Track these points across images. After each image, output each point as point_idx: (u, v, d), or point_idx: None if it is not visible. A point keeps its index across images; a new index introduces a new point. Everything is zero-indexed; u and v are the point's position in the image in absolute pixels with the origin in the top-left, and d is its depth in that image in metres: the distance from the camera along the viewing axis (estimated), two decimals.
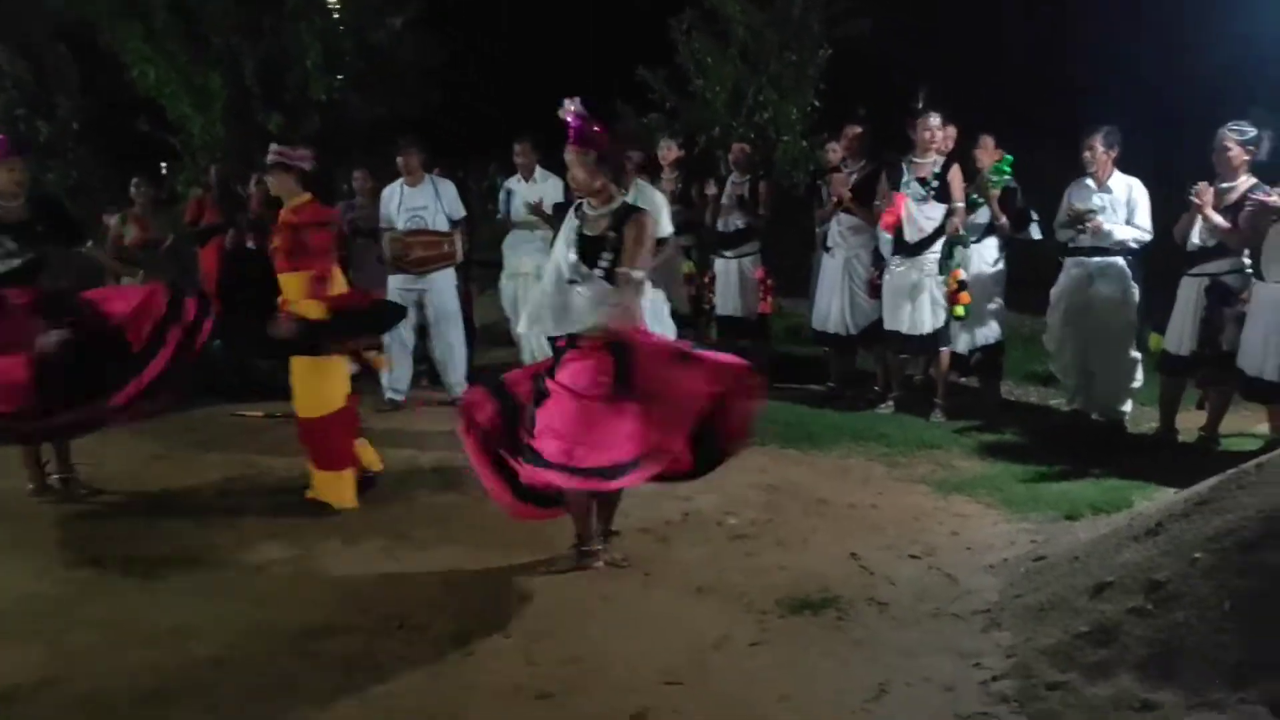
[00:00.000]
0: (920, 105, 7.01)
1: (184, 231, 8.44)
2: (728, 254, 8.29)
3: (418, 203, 7.63)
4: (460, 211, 7.83)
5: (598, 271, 4.27)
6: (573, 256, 4.33)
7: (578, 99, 4.38)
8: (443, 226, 7.66)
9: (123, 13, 10.17)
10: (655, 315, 6.07)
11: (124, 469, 6.01)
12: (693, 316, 8.49)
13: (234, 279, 8.11)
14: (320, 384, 5.32)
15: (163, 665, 3.64)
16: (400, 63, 11.53)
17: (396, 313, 6.37)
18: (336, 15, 11.13)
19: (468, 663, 3.67)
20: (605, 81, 11.13)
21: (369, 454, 5.61)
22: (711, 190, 8.41)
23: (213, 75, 10.28)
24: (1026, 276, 7.73)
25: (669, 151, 8.52)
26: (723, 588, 4.29)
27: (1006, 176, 7.16)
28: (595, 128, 4.36)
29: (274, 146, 5.45)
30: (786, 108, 10.41)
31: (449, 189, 7.81)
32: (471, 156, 12.34)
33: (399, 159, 7.66)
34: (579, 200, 4.49)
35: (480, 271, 9.69)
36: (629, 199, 5.90)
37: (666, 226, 6.27)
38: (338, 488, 5.35)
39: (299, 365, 5.31)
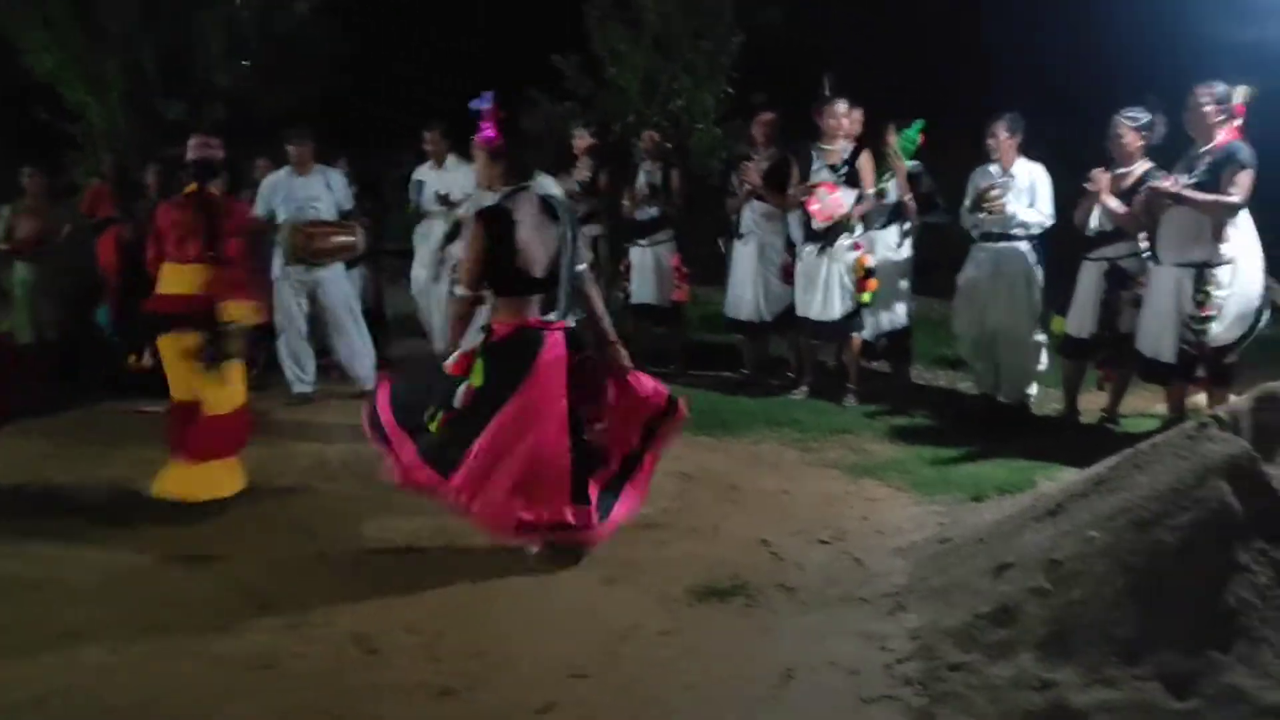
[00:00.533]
0: (826, 92, 7.05)
1: (81, 223, 8.13)
2: (642, 242, 8.25)
3: (310, 193, 7.44)
4: (350, 203, 7.67)
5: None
6: None
7: (490, 94, 4.35)
8: (333, 217, 7.51)
9: None
10: None
11: (10, 468, 5.76)
12: None
13: (136, 271, 7.89)
14: (226, 380, 5.25)
15: (52, 671, 3.49)
16: (308, 49, 11.25)
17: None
18: (239, 1, 10.84)
19: (369, 660, 3.59)
20: (519, 68, 11.01)
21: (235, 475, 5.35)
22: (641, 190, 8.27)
23: (110, 61, 9.92)
24: (937, 261, 7.84)
25: (581, 140, 8.45)
26: (633, 577, 4.26)
27: (913, 145, 7.18)
28: (490, 125, 4.32)
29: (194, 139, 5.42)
30: (700, 95, 10.39)
31: (339, 179, 7.66)
32: (383, 144, 12.13)
33: (290, 148, 7.46)
34: None
35: (391, 261, 9.55)
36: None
37: None
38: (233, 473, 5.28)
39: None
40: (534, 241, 4.16)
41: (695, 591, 4.09)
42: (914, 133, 7.14)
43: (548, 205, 4.29)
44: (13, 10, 9.94)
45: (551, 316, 4.25)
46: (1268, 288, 5.62)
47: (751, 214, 7.57)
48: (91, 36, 10.05)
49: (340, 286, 7.52)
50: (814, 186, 6.94)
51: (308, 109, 10.82)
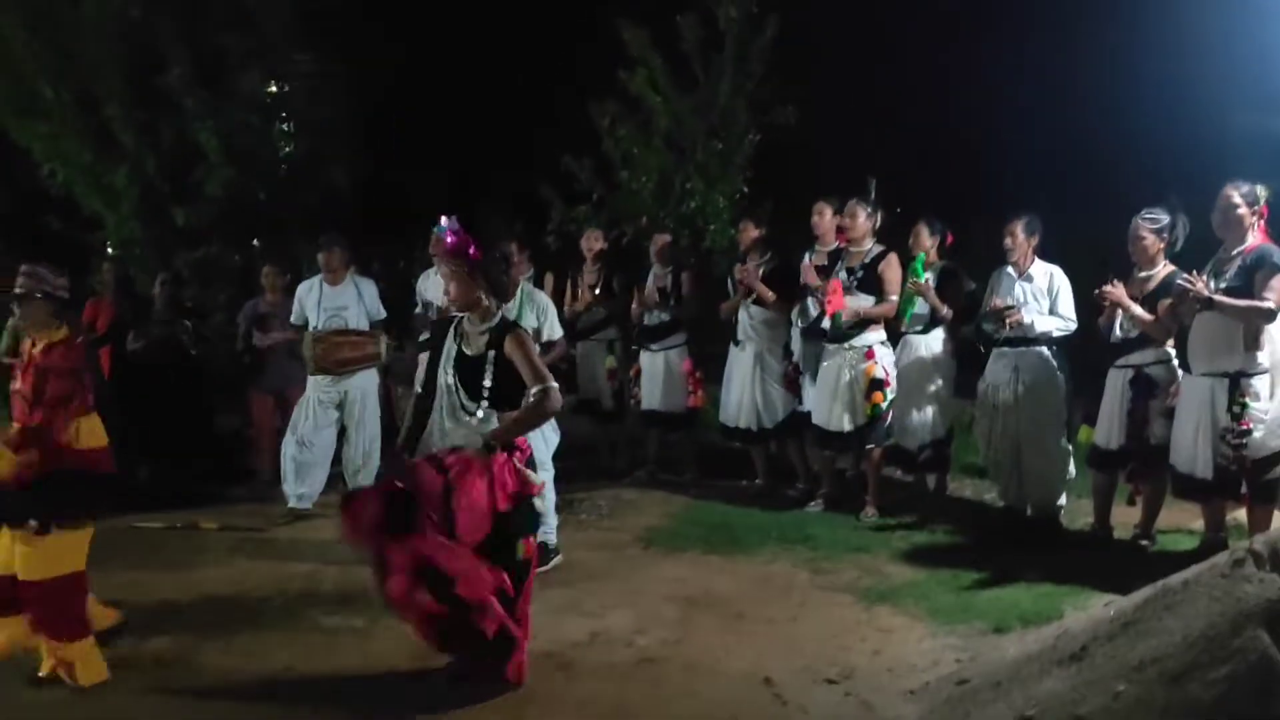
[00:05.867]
0: (872, 196, 6.85)
1: (84, 335, 8.01)
2: (653, 347, 8.03)
3: (339, 302, 7.33)
4: (381, 312, 7.55)
5: (483, 402, 4.19)
6: (452, 379, 4.18)
7: (454, 217, 4.31)
8: (363, 326, 7.37)
9: (23, 110, 9.80)
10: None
11: None
12: (616, 412, 8.23)
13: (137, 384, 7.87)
14: (54, 540, 4.27)
15: None
16: (319, 154, 11.15)
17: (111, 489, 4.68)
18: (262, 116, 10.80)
19: None
20: (532, 167, 10.94)
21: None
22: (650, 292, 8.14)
23: (119, 173, 9.92)
24: (968, 363, 7.49)
25: (593, 242, 8.31)
26: None
27: (921, 277, 6.87)
28: (469, 241, 4.26)
29: (24, 268, 4.44)
30: (714, 196, 10.24)
31: (370, 288, 7.55)
32: (400, 240, 11.97)
33: (320, 256, 7.38)
34: (457, 317, 4.36)
35: (402, 368, 9.37)
36: (511, 306, 5.71)
37: (554, 329, 6.07)
38: (90, 660, 4.35)
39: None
40: None
41: None
42: (918, 265, 6.86)
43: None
44: (24, 124, 9.95)
45: None
46: None
47: (749, 319, 7.35)
48: (100, 149, 10.04)
49: (369, 396, 7.35)
50: (819, 286, 6.76)
51: (323, 208, 10.73)
